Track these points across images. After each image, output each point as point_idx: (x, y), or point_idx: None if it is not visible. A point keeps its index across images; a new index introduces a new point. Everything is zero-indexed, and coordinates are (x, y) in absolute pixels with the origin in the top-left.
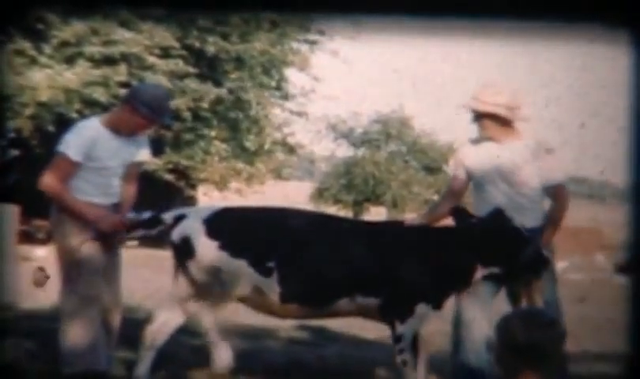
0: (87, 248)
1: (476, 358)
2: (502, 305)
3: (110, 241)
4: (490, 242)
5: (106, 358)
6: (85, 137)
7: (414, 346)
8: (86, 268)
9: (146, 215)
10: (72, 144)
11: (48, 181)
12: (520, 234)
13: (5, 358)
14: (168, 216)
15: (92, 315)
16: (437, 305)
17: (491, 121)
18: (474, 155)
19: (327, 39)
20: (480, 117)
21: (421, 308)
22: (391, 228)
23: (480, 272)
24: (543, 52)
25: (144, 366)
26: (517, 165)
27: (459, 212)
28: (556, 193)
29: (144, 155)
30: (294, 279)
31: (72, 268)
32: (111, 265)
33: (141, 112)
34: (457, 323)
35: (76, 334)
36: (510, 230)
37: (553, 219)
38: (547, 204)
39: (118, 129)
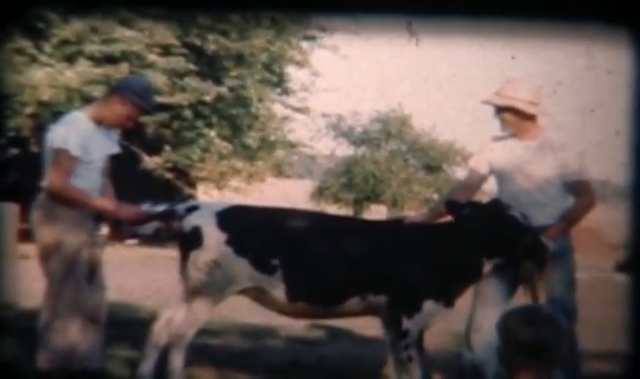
0: (78, 246)
1: (483, 360)
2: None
3: (120, 235)
4: (488, 233)
5: (96, 357)
6: (80, 131)
7: (419, 343)
8: (76, 268)
9: (161, 207)
10: (70, 139)
11: (55, 180)
12: (517, 223)
13: (5, 357)
14: (181, 208)
15: (78, 314)
16: (447, 302)
17: (512, 116)
18: (497, 151)
19: (327, 36)
20: (500, 111)
21: (429, 305)
22: (395, 226)
23: (487, 265)
24: (543, 52)
25: (148, 364)
26: (536, 161)
27: (452, 205)
28: (578, 190)
29: (117, 148)
30: (300, 278)
31: (63, 266)
32: (96, 263)
33: (132, 101)
34: (469, 323)
35: (63, 333)
36: (507, 220)
37: (569, 215)
38: (570, 202)
39: (102, 121)
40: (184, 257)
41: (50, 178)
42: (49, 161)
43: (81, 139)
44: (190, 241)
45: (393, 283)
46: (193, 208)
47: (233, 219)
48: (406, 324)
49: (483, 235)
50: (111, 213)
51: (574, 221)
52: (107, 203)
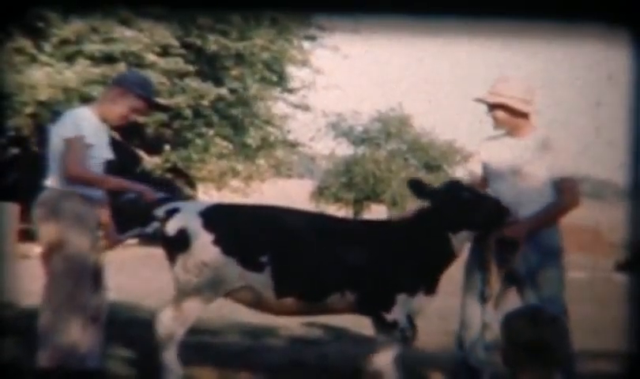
0: (81, 244)
1: (476, 358)
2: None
3: (111, 241)
4: (449, 208)
5: (96, 356)
6: (89, 123)
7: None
8: (79, 266)
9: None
10: (83, 128)
11: (76, 168)
12: (477, 194)
13: (5, 357)
14: (160, 211)
15: (79, 313)
16: (427, 289)
17: (503, 113)
18: (489, 150)
19: (327, 35)
20: (492, 108)
21: (402, 298)
22: (376, 226)
23: (455, 240)
24: (543, 52)
25: (170, 353)
26: (528, 159)
27: (417, 185)
28: (562, 187)
29: (111, 154)
30: (288, 274)
31: (66, 264)
32: (100, 267)
33: (134, 93)
34: (461, 322)
35: (64, 332)
36: (467, 192)
37: (548, 209)
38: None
39: (107, 117)
40: (172, 260)
41: (68, 166)
42: (59, 153)
43: (92, 130)
44: (177, 244)
45: (367, 281)
46: (173, 211)
47: (218, 219)
48: (389, 316)
49: (444, 211)
50: (128, 189)
51: (551, 217)
52: (124, 182)
